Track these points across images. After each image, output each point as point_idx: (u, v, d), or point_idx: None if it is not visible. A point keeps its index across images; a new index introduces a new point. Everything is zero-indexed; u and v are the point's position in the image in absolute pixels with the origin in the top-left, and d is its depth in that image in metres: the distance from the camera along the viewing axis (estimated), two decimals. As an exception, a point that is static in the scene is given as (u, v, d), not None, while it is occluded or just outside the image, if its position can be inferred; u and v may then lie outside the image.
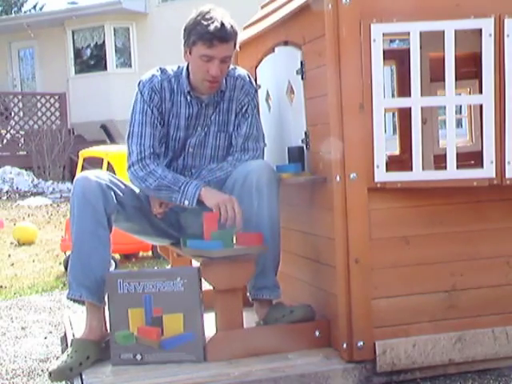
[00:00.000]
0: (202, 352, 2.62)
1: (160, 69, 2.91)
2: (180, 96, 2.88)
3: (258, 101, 3.02)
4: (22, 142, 15.26)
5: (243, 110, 2.94)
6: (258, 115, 3.00)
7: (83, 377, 2.56)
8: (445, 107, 2.54)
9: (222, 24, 2.72)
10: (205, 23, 2.72)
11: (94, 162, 7.05)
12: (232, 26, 2.77)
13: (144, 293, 2.65)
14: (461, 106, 4.59)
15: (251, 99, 2.96)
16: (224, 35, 2.73)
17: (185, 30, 2.80)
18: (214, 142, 2.93)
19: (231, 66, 2.95)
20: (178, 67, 2.92)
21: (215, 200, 2.70)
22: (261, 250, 2.66)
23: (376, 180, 2.49)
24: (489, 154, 2.50)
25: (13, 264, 6.16)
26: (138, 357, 2.65)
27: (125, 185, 2.87)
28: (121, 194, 2.80)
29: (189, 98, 2.87)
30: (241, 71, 2.98)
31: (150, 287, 2.65)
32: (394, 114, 6.46)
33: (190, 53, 2.81)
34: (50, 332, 3.65)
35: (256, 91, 3.01)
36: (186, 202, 2.74)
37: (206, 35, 2.72)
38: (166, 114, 2.87)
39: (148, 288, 2.65)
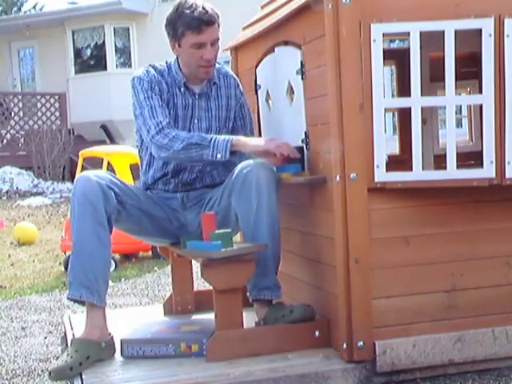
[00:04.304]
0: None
1: (149, 65, 2.99)
2: (174, 88, 2.95)
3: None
4: (22, 142, 15.24)
5: (243, 109, 3.08)
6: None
7: (83, 377, 2.56)
8: (445, 107, 2.54)
9: (204, 8, 2.82)
10: (188, 11, 2.81)
11: (94, 162, 7.05)
12: (212, 9, 2.86)
13: None
14: (461, 106, 4.59)
15: (244, 96, 3.12)
16: (210, 18, 2.82)
17: (169, 25, 2.88)
18: None
19: (219, 65, 3.03)
20: (166, 62, 3.00)
21: (256, 141, 2.77)
22: (260, 249, 2.67)
23: (376, 180, 2.49)
24: (489, 154, 2.49)
25: (13, 264, 6.16)
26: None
27: (125, 185, 2.88)
28: (121, 194, 2.80)
29: (183, 89, 2.94)
30: (226, 69, 3.12)
31: None
32: (394, 114, 6.47)
33: (179, 45, 2.87)
34: (50, 332, 3.65)
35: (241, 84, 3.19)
36: (219, 156, 2.73)
37: (193, 22, 2.80)
38: (165, 104, 2.91)
39: None
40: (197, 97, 2.97)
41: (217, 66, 3.02)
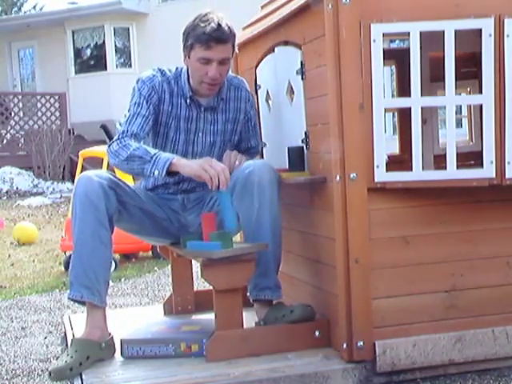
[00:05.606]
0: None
1: (159, 69, 2.94)
2: (180, 98, 2.91)
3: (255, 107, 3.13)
4: (22, 142, 15.24)
5: (250, 123, 3.07)
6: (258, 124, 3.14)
7: (83, 377, 2.56)
8: (445, 107, 2.54)
9: (219, 25, 2.75)
10: (202, 25, 2.76)
11: (94, 162, 7.05)
12: (229, 28, 2.79)
13: None
14: (461, 106, 4.59)
15: (254, 109, 3.09)
16: (221, 36, 2.75)
17: (183, 34, 2.83)
18: (220, 152, 2.98)
19: (231, 74, 3.00)
20: (176, 68, 2.96)
21: (192, 166, 2.65)
22: (260, 249, 2.67)
23: (376, 180, 2.49)
24: (489, 154, 2.49)
25: (13, 264, 6.16)
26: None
27: (126, 185, 2.87)
28: (122, 194, 2.80)
29: (189, 101, 2.90)
30: (240, 80, 3.07)
31: None
32: (394, 114, 6.46)
33: (188, 57, 2.83)
34: (50, 332, 3.65)
35: (253, 97, 3.11)
36: (156, 172, 2.67)
37: (202, 37, 2.75)
38: (164, 115, 2.90)
39: None
40: (202, 109, 2.93)
41: (230, 75, 2.98)
